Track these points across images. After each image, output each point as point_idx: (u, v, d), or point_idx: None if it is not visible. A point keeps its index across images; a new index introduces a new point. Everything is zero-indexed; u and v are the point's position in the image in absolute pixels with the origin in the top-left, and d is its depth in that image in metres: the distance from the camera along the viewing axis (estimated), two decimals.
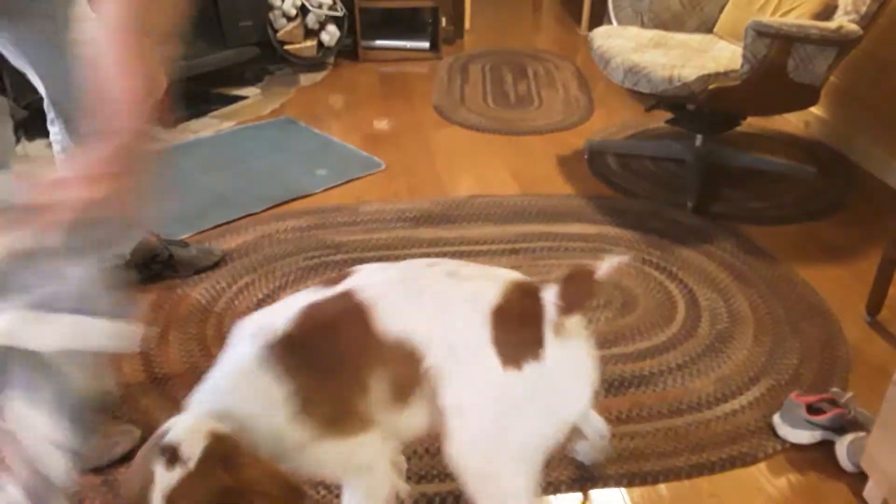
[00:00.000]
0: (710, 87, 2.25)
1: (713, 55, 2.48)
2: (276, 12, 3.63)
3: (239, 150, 2.95)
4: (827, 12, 2.36)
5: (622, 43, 2.56)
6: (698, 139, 2.64)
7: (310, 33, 3.78)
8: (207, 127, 3.14)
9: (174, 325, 1.91)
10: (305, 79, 3.73)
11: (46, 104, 1.77)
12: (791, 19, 2.36)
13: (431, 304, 1.08)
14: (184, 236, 2.26)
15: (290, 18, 3.68)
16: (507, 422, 1.06)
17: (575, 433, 1.41)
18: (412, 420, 1.10)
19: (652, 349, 1.86)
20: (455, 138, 3.09)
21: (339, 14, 3.81)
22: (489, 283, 1.09)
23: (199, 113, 3.25)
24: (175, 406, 1.07)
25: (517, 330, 1.05)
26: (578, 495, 1.46)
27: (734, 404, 1.68)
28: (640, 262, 2.20)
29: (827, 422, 1.53)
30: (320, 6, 3.73)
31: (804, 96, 2.36)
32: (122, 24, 0.84)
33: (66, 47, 1.66)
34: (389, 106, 3.43)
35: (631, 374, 1.76)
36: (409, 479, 1.46)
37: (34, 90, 1.76)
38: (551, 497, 1.45)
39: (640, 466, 1.52)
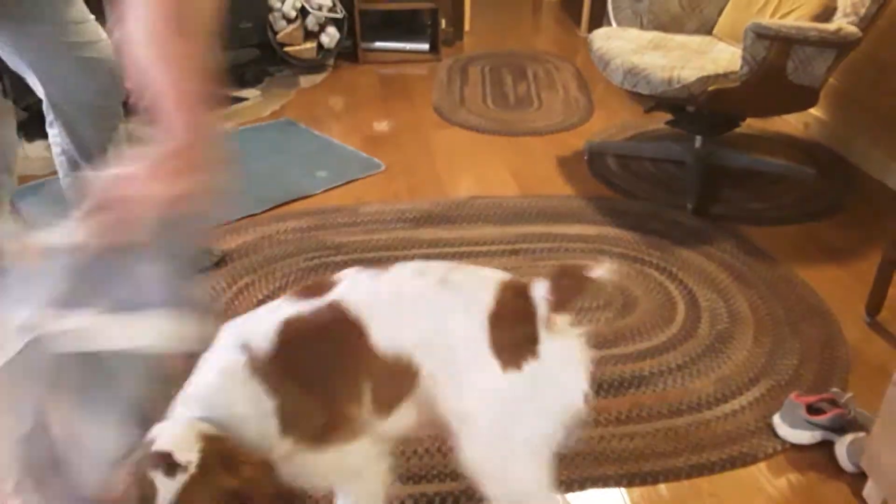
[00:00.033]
0: (710, 88, 2.26)
1: (712, 57, 2.48)
2: (276, 14, 3.64)
3: (239, 151, 2.95)
4: (826, 14, 2.37)
5: (622, 44, 2.56)
6: (698, 140, 2.65)
7: (309, 35, 3.78)
8: None
9: None
10: (305, 80, 3.73)
11: (45, 106, 1.77)
12: (790, 21, 2.36)
13: (428, 316, 1.07)
14: None
15: (289, 20, 3.68)
16: (513, 421, 1.07)
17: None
18: (399, 422, 1.11)
19: (652, 350, 1.86)
20: (455, 139, 3.09)
21: (339, 16, 3.81)
22: (482, 288, 1.10)
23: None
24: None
25: (513, 331, 1.06)
26: (578, 495, 1.46)
27: (734, 405, 1.68)
28: (632, 263, 2.20)
29: (827, 422, 1.54)
30: (320, 8, 3.74)
31: (803, 98, 2.37)
32: (159, 22, 0.83)
33: (64, 50, 1.66)
34: (389, 107, 3.43)
35: (631, 375, 1.77)
36: (409, 479, 1.47)
37: (33, 92, 1.77)
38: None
39: (640, 467, 1.52)
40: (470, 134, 3.14)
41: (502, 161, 2.88)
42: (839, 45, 2.21)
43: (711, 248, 2.29)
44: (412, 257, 2.23)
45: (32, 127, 1.92)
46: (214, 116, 0.88)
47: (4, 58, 1.67)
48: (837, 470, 1.51)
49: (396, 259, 2.19)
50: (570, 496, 1.46)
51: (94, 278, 0.84)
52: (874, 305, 1.95)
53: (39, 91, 1.73)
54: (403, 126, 3.21)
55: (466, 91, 3.62)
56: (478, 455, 1.09)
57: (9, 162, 1.48)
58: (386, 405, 1.08)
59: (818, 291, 2.08)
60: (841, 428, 1.53)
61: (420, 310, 1.08)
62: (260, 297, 2.04)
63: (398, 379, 1.06)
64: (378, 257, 2.23)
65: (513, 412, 1.07)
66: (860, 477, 1.45)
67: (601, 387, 1.72)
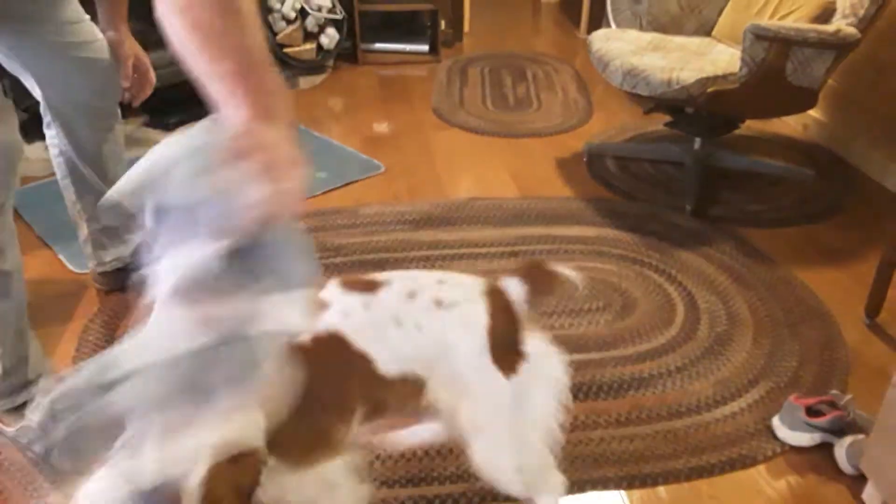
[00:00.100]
0: (709, 90, 2.26)
1: (712, 58, 2.49)
2: (276, 15, 3.64)
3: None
4: (825, 15, 2.37)
5: (621, 46, 2.56)
6: (697, 142, 2.65)
7: (309, 36, 3.78)
8: None
9: None
10: (305, 82, 3.73)
11: (43, 108, 1.77)
12: (789, 23, 2.36)
13: (430, 339, 1.10)
14: None
15: (289, 21, 3.68)
16: (519, 419, 1.14)
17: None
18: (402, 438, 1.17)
19: (651, 351, 1.86)
20: (454, 141, 3.09)
21: (339, 17, 3.81)
22: (474, 303, 1.14)
23: (197, 117, 3.24)
24: None
25: (506, 338, 1.13)
26: (578, 497, 1.46)
27: (733, 407, 1.68)
28: (631, 265, 2.20)
29: (826, 424, 1.54)
30: (319, 9, 3.74)
31: (802, 99, 2.37)
32: (194, 33, 0.81)
33: (60, 50, 1.66)
34: (389, 109, 3.43)
35: (630, 377, 1.77)
36: (408, 481, 1.47)
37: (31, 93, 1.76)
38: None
39: (640, 469, 1.52)
40: (469, 135, 3.14)
41: (502, 162, 2.89)
42: (838, 47, 2.21)
43: (710, 250, 2.29)
44: (412, 259, 2.24)
45: (32, 128, 1.92)
46: (280, 103, 0.86)
47: (1, 59, 1.67)
48: (837, 472, 1.51)
49: (396, 261, 2.21)
50: (569, 498, 1.46)
51: (248, 259, 0.82)
52: (873, 307, 1.95)
53: (36, 92, 1.73)
54: (403, 127, 3.21)
55: (466, 92, 3.62)
56: (493, 461, 1.16)
57: (12, 162, 1.48)
58: (371, 424, 1.12)
59: (817, 293, 2.08)
60: (840, 430, 1.53)
61: (422, 334, 1.10)
62: None
63: (404, 400, 1.11)
64: (378, 259, 2.23)
65: (517, 412, 1.13)
66: (860, 479, 1.45)
67: (601, 389, 1.72)
